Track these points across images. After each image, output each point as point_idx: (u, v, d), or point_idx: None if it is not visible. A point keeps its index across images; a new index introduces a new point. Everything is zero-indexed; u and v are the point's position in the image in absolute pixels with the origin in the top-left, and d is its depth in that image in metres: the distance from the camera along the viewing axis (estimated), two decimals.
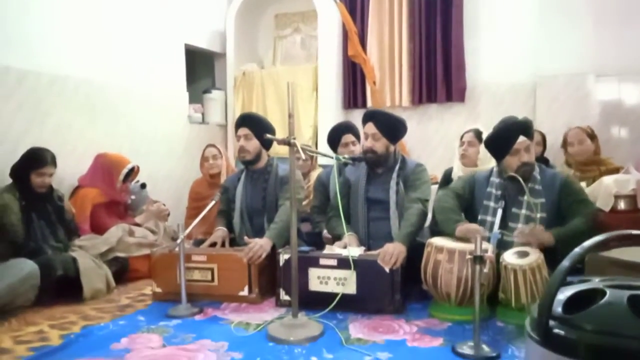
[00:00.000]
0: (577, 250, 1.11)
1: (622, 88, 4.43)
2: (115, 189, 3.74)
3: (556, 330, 1.13)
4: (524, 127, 2.75)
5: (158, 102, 4.64)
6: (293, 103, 2.39)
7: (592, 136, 3.77)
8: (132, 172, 3.86)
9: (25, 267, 2.83)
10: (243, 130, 3.23)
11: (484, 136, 3.35)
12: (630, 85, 4.40)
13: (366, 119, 3.04)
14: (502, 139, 2.77)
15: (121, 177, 3.74)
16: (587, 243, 1.11)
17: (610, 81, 4.42)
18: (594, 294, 1.14)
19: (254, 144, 3.24)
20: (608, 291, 1.11)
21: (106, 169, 3.74)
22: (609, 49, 4.36)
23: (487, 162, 3.33)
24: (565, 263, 1.09)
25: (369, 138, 3.00)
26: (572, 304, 1.15)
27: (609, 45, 4.36)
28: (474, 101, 4.96)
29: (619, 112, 4.43)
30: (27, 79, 3.53)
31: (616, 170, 3.55)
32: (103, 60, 4.11)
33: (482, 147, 3.37)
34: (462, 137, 3.55)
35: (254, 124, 3.24)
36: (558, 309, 1.14)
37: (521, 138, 2.74)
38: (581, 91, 4.41)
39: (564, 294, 1.16)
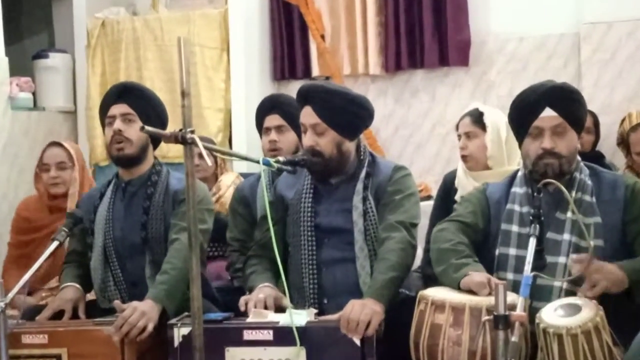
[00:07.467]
0: None
1: None
2: None
3: None
4: (555, 96, 2.24)
5: None
6: (188, 74, 1.69)
7: None
8: None
9: None
10: (121, 108, 2.55)
11: (487, 119, 2.83)
12: None
13: (301, 100, 2.43)
14: (519, 112, 2.28)
15: None
16: None
17: None
18: None
19: (137, 132, 2.51)
20: None
21: None
22: None
23: (501, 160, 2.78)
24: None
25: (308, 132, 2.38)
26: None
27: None
28: (483, 65, 4.04)
29: None
30: None
31: None
32: None
33: (488, 137, 2.78)
34: (457, 127, 2.97)
35: (139, 99, 2.56)
36: None
37: (547, 111, 2.24)
38: None
39: None
